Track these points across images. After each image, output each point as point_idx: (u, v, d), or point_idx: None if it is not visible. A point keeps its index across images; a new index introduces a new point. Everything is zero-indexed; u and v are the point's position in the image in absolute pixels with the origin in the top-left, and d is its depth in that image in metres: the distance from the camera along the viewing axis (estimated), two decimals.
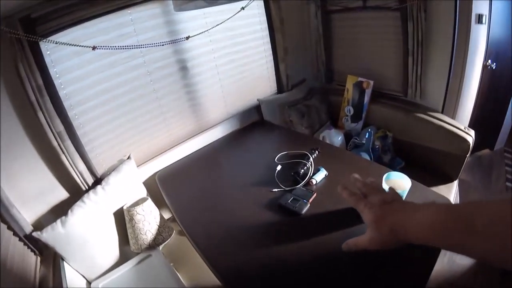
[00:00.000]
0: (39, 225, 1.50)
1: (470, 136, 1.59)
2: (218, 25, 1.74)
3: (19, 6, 1.19)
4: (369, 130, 1.85)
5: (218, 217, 1.32)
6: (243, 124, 2.15)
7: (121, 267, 1.49)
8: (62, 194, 1.57)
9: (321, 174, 1.38)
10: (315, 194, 1.27)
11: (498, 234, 0.38)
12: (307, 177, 1.38)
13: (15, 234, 1.33)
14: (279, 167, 1.50)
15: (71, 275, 1.41)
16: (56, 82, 1.37)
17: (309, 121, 2.09)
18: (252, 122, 2.16)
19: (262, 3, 1.99)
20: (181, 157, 1.88)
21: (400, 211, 0.55)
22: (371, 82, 1.97)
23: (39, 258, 1.42)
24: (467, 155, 1.60)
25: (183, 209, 1.42)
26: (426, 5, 1.60)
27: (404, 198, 1.05)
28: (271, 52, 2.15)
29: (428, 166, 1.76)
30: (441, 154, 1.69)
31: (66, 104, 1.42)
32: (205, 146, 1.96)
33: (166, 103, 1.78)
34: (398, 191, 0.90)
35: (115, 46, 1.44)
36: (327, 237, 1.06)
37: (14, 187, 1.39)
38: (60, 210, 1.45)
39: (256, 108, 2.19)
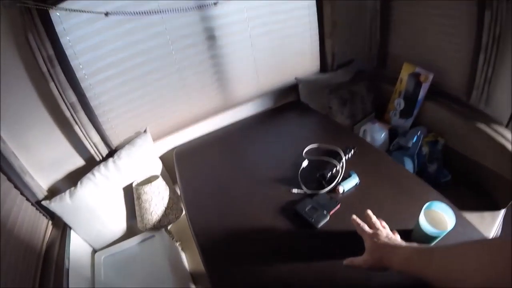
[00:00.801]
0: (56, 190, 1.53)
1: None
2: None
3: None
4: (419, 133, 1.57)
5: (226, 210, 1.22)
6: (276, 104, 1.96)
7: (125, 242, 1.48)
8: (78, 161, 1.56)
9: (352, 182, 1.18)
10: (338, 206, 1.10)
11: (446, 271, 0.58)
12: (334, 182, 1.19)
13: (27, 200, 1.35)
14: (305, 163, 1.33)
15: (78, 242, 1.43)
16: (70, 52, 1.29)
17: (351, 110, 1.84)
18: (287, 103, 1.96)
19: None
20: (204, 133, 1.77)
21: (390, 246, 0.76)
22: (431, 75, 1.65)
23: (50, 223, 1.44)
24: None
25: (193, 193, 1.34)
26: None
27: (440, 238, 0.87)
28: (317, 24, 1.86)
29: (477, 186, 1.51)
30: (495, 176, 1.41)
31: (80, 74, 1.35)
32: (231, 124, 1.83)
33: (189, 75, 1.63)
34: (437, 230, 0.85)
35: (131, 12, 1.29)
36: (340, 262, 0.89)
37: (29, 154, 1.39)
38: (77, 177, 1.45)
39: (293, 87, 1.96)
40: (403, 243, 0.76)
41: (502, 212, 1.42)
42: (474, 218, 1.34)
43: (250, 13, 1.62)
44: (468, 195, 1.47)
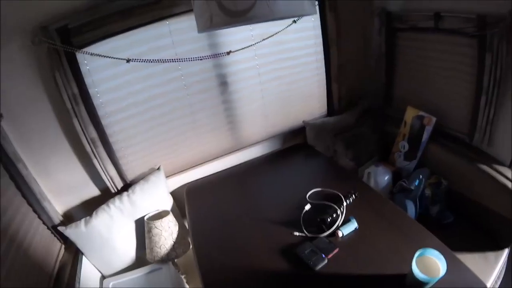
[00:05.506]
0: (71, 215, 1.63)
1: None
2: (265, 39, 1.63)
3: (56, 16, 1.23)
4: (421, 176, 1.60)
5: (229, 247, 1.30)
6: (284, 146, 2.04)
7: (133, 272, 1.55)
8: (94, 191, 1.67)
9: (351, 227, 1.24)
10: (336, 250, 1.15)
11: None
12: (334, 227, 1.25)
13: (44, 223, 1.45)
14: (307, 207, 1.39)
15: (88, 267, 1.50)
16: (93, 91, 1.41)
17: (356, 152, 1.89)
18: (294, 145, 2.03)
19: (318, 14, 1.80)
20: (214, 172, 1.86)
21: None
22: (434, 119, 1.70)
23: (63, 247, 1.52)
24: None
25: (200, 229, 1.43)
26: (510, 36, 1.28)
27: (433, 284, 0.92)
28: (324, 70, 1.97)
29: (480, 227, 1.51)
30: (498, 217, 1.41)
31: (101, 112, 1.47)
32: (241, 164, 1.91)
33: (201, 117, 1.74)
34: (427, 277, 0.89)
35: (150, 60, 1.42)
36: None
37: (49, 181, 1.51)
38: (92, 206, 1.55)
39: (301, 130, 2.04)
40: None
41: (506, 252, 1.40)
42: (477, 258, 1.35)
43: (260, 60, 1.74)
44: (472, 236, 1.47)
